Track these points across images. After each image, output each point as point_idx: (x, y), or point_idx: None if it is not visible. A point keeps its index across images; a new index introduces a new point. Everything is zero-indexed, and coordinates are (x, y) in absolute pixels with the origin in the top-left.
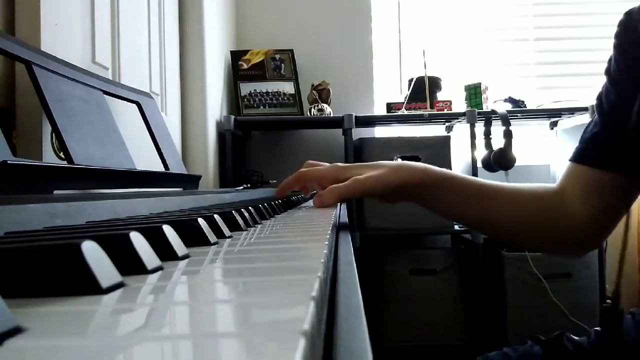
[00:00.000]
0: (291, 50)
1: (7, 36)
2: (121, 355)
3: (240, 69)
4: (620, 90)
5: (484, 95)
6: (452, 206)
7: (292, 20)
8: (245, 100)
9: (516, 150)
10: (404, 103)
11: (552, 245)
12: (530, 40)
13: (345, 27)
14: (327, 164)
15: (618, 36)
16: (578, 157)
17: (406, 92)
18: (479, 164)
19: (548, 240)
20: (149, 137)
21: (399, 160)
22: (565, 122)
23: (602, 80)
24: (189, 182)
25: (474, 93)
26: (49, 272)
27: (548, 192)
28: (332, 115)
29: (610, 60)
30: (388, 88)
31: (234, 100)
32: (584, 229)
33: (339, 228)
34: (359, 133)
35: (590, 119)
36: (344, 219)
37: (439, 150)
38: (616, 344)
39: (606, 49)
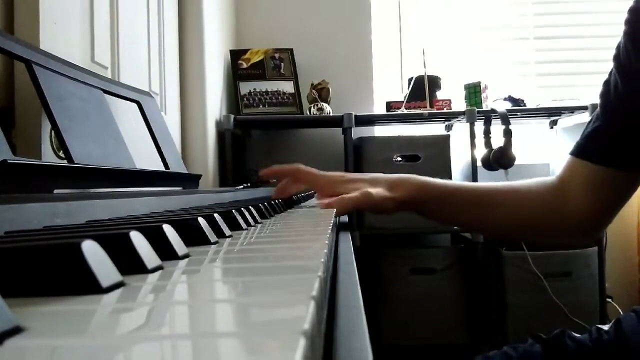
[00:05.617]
0: (291, 50)
1: (7, 35)
2: (121, 355)
3: (239, 68)
4: (629, 79)
5: (483, 94)
6: (449, 216)
7: (291, 20)
8: (245, 99)
9: (516, 149)
10: (403, 102)
11: (553, 237)
12: (530, 39)
13: (345, 26)
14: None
15: (628, 23)
16: (579, 152)
17: (406, 91)
18: (479, 163)
19: (549, 233)
20: (149, 136)
21: (395, 175)
22: (565, 120)
23: (602, 79)
24: (189, 181)
25: (474, 92)
26: (49, 271)
27: (548, 187)
28: (331, 114)
29: (619, 46)
30: (388, 87)
31: (234, 99)
32: (585, 221)
33: (339, 227)
34: (358, 132)
35: (593, 114)
36: (344, 218)
37: (439, 149)
38: (620, 341)
39: (606, 48)
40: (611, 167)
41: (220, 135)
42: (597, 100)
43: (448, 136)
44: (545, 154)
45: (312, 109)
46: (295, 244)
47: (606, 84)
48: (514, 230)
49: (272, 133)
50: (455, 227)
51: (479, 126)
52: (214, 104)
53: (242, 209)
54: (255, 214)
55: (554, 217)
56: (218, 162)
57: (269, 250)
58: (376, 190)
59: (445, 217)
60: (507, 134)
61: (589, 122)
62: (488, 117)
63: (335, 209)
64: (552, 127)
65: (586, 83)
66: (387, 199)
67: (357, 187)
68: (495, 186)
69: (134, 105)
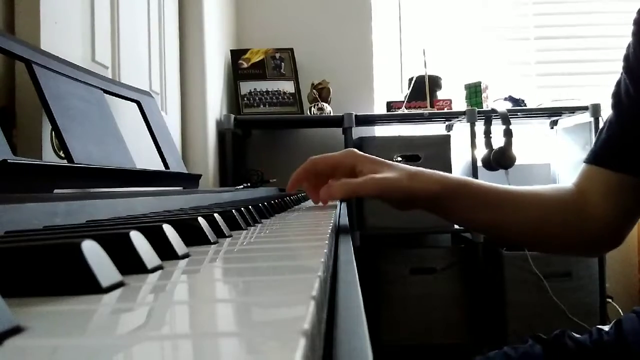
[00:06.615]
0: (291, 49)
1: (7, 35)
2: (121, 355)
3: (240, 67)
4: (638, 83)
5: (484, 94)
6: (467, 215)
7: (292, 19)
8: (246, 99)
9: (516, 149)
10: (404, 102)
11: (571, 246)
12: (530, 39)
13: (346, 25)
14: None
15: (637, 23)
16: (595, 160)
17: (406, 91)
18: (479, 163)
19: (568, 241)
20: (149, 136)
21: (415, 167)
22: (565, 121)
23: (601, 79)
24: (189, 181)
25: (474, 92)
26: (49, 271)
27: (567, 193)
28: (332, 114)
29: (629, 46)
30: (388, 87)
31: (234, 99)
32: (606, 229)
33: (339, 227)
34: (359, 132)
35: (606, 119)
36: (344, 218)
37: (439, 149)
38: (620, 342)
39: (607, 48)
40: (630, 174)
41: (221, 135)
42: (598, 100)
43: (448, 136)
44: (545, 154)
45: (313, 108)
46: (295, 244)
47: (618, 84)
48: (534, 235)
49: (273, 133)
50: (462, 228)
51: (480, 126)
52: (214, 103)
53: (242, 209)
54: (255, 214)
55: (573, 222)
56: (218, 162)
57: (269, 250)
58: (393, 176)
59: (464, 217)
60: (508, 134)
61: (603, 127)
62: (488, 117)
63: (339, 198)
64: (552, 127)
65: (587, 83)
66: (403, 187)
67: (374, 170)
68: (517, 189)
69: (134, 105)
